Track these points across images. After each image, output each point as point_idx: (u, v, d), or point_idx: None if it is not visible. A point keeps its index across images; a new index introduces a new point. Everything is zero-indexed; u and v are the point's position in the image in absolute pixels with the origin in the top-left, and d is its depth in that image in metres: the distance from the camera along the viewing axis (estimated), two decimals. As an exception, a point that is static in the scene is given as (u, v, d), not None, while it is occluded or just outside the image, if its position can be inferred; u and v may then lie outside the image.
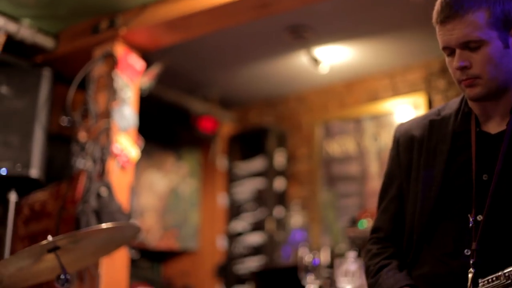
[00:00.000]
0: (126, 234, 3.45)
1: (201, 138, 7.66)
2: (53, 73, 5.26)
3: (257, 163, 7.42)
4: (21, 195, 5.19)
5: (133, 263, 6.33)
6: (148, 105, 6.12)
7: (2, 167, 4.83)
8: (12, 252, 4.83)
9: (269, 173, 7.32)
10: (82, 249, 3.15)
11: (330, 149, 7.17)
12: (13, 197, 4.98)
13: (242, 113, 7.95)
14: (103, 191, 5.11)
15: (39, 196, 5.67)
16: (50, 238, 2.88)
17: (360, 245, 5.25)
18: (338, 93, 7.24)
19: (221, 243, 7.57)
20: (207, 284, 7.56)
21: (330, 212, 6.98)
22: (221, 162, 7.80)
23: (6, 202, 5.02)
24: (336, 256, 5.14)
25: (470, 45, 2.24)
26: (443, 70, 6.43)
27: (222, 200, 7.72)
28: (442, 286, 2.25)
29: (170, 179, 7.77)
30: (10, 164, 4.84)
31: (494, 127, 2.35)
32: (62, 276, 2.93)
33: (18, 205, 5.19)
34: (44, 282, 3.51)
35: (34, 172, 4.91)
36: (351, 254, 3.80)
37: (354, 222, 5.91)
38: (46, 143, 5.07)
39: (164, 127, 7.72)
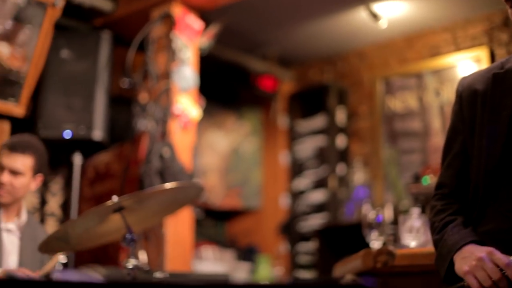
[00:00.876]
0: (189, 194, 3.47)
1: (261, 97, 7.66)
2: (112, 35, 5.30)
3: (318, 121, 7.39)
4: (85, 157, 5.27)
5: (198, 222, 6.41)
6: (208, 65, 6.12)
7: (66, 130, 4.91)
8: (79, 213, 4.93)
9: (330, 130, 7.28)
10: (147, 209, 3.19)
11: (391, 105, 7.10)
12: (77, 159, 5.07)
13: (302, 71, 7.90)
14: (166, 151, 5.16)
15: (103, 158, 5.75)
16: (115, 198, 2.92)
17: (423, 201, 5.21)
18: (398, 48, 7.14)
19: (284, 201, 7.59)
20: (271, 242, 7.61)
21: (392, 168, 6.93)
22: (282, 120, 7.79)
23: (71, 164, 5.11)
24: (400, 212, 5.12)
25: (534, -3, 2.18)
26: (506, 23, 6.27)
27: (284, 158, 7.72)
28: (507, 242, 2.20)
29: (232, 138, 7.79)
30: (73, 126, 4.92)
31: (559, 79, 2.29)
32: (128, 236, 2.97)
33: (82, 167, 5.28)
34: (109, 242, 3.57)
35: (97, 134, 4.98)
36: (415, 211, 3.76)
37: (417, 179, 5.86)
38: (108, 105, 5.14)
39: (224, 87, 7.73)
